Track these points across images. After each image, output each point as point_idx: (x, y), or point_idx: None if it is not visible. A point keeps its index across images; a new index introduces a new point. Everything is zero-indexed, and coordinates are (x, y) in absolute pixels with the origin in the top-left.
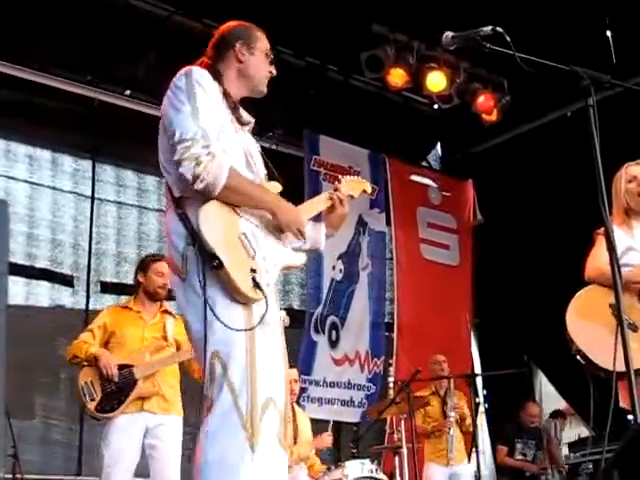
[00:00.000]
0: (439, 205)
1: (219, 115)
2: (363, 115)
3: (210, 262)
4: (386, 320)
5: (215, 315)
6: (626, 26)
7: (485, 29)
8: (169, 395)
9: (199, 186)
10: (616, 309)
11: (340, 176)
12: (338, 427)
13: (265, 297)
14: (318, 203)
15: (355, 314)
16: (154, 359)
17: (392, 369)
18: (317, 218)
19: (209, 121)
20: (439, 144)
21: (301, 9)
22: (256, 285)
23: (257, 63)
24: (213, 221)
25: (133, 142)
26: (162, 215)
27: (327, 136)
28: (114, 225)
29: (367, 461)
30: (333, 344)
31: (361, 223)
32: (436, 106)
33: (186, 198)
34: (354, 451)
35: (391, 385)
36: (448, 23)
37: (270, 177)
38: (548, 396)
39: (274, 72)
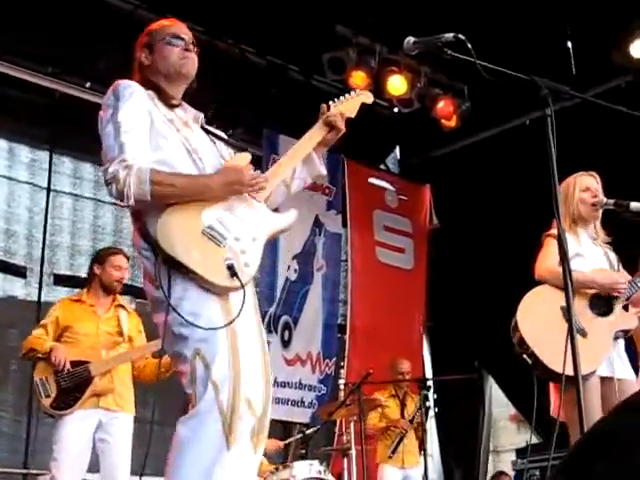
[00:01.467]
0: (396, 208)
1: (153, 121)
2: None
3: (178, 269)
4: (339, 322)
5: (184, 319)
6: (587, 37)
7: (447, 35)
8: (124, 392)
9: (130, 202)
10: (567, 314)
11: (324, 105)
12: (288, 427)
13: (242, 286)
14: (315, 135)
15: (308, 315)
16: (110, 356)
17: (343, 371)
18: None
19: (129, 133)
20: (398, 148)
21: (264, 8)
22: (233, 274)
23: (161, 55)
24: (171, 226)
25: (92, 135)
26: (118, 209)
27: (287, 136)
28: (69, 217)
29: (315, 462)
30: (285, 344)
31: (317, 224)
32: (396, 110)
33: (140, 210)
34: (303, 452)
35: (342, 387)
36: (411, 28)
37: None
38: (498, 402)
39: (190, 49)
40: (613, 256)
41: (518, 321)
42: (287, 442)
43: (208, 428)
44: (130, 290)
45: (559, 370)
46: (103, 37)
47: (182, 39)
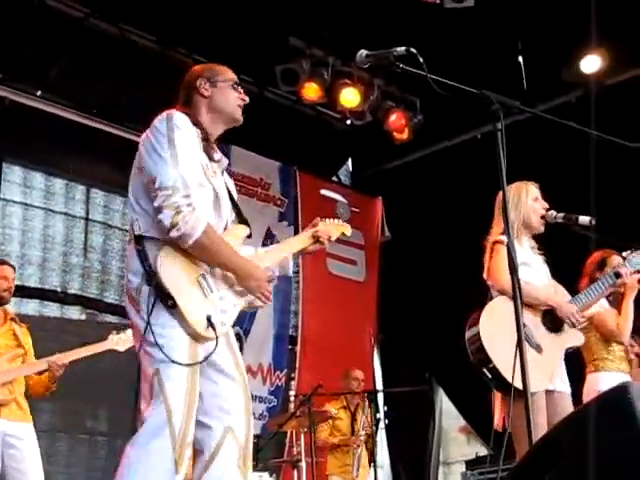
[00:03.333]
0: (348, 220)
1: (197, 159)
2: (276, 128)
3: (165, 301)
4: (290, 333)
5: (157, 343)
6: (538, 53)
7: (399, 49)
8: (23, 403)
9: (174, 234)
10: (517, 326)
11: (319, 218)
12: None
13: (216, 337)
14: (298, 243)
15: (259, 326)
16: (12, 367)
17: (294, 383)
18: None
19: (188, 168)
20: (350, 160)
21: (217, 17)
22: (210, 325)
23: (223, 94)
24: (172, 262)
25: (43, 144)
26: (69, 219)
27: (239, 147)
28: (19, 227)
29: (265, 474)
30: None
31: (269, 236)
32: (349, 122)
33: (147, 236)
34: (253, 463)
35: (292, 399)
36: (365, 41)
37: (240, 220)
38: (448, 414)
39: (246, 99)
40: (546, 268)
41: (481, 334)
42: None
43: (158, 451)
44: (80, 301)
45: (518, 385)
46: (54, 45)
47: (241, 88)
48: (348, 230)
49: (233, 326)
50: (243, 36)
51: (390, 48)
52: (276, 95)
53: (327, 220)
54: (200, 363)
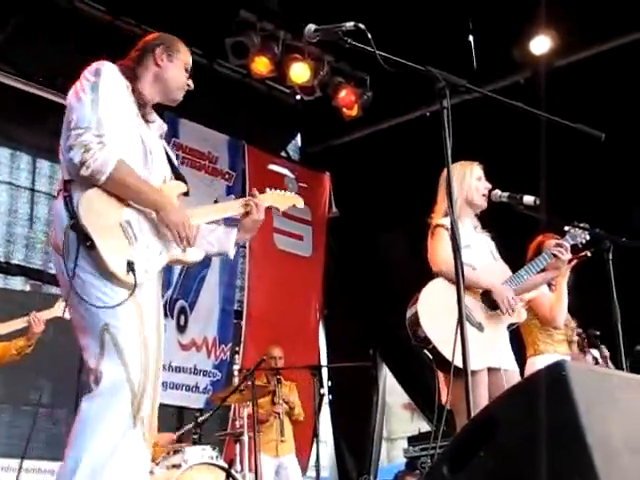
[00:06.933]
0: None
1: (122, 107)
2: (225, 101)
3: (84, 242)
4: (236, 307)
5: (82, 295)
6: (488, 33)
7: (347, 24)
8: None
9: (85, 172)
10: (458, 308)
11: (268, 189)
12: (181, 413)
13: (135, 282)
14: (227, 208)
15: (205, 300)
16: None
17: (238, 357)
18: (230, 223)
19: (107, 111)
20: (299, 135)
21: None
22: (130, 270)
23: (175, 71)
24: (92, 205)
25: None
26: (11, 188)
27: (187, 120)
28: None
29: (208, 447)
30: (181, 329)
31: None
32: (298, 97)
33: (74, 181)
34: (195, 437)
35: (236, 373)
36: (316, 15)
37: (176, 177)
38: (392, 390)
39: (192, 85)
40: (492, 244)
41: (419, 316)
42: (180, 433)
43: (117, 406)
44: (24, 271)
45: (459, 364)
46: (1, 12)
47: (189, 74)
48: (300, 202)
49: (178, 299)
50: (193, 8)
51: (339, 23)
52: (226, 68)
53: (275, 191)
54: (133, 291)
